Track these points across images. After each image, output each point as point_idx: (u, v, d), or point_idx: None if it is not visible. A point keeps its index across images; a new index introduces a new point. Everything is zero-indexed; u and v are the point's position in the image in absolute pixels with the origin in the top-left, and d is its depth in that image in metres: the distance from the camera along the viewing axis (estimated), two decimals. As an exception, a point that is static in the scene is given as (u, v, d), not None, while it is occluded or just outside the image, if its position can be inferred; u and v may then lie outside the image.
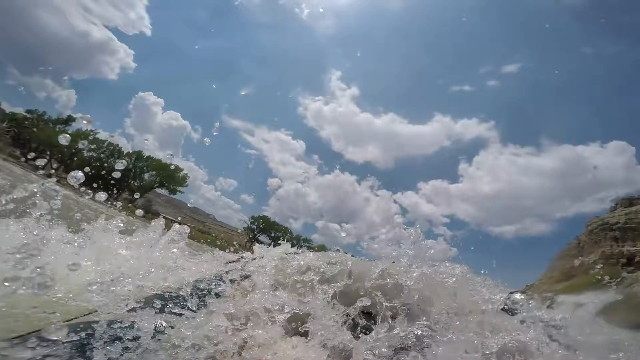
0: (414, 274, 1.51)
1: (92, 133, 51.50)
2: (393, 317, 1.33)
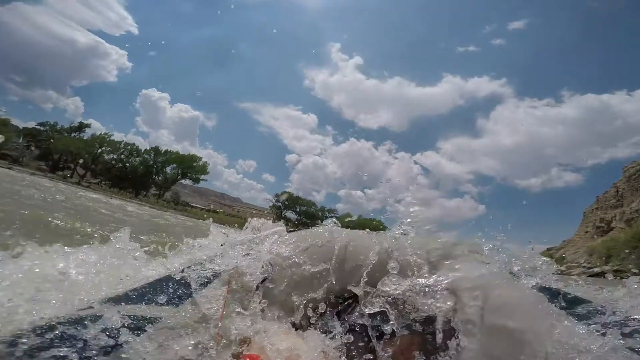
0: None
1: (107, 136, 52.07)
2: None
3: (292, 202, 64.77)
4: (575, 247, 48.09)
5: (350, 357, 0.99)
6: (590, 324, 1.07)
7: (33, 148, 48.07)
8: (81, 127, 52.66)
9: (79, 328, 0.81)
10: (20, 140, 47.02)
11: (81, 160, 49.33)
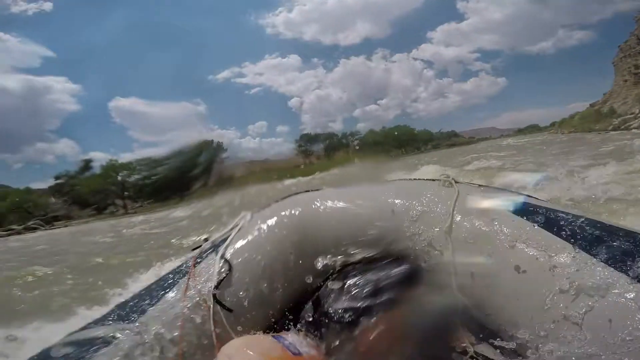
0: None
1: (115, 162, 53.15)
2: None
3: (313, 141, 64.45)
4: (620, 97, 46.95)
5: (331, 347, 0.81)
6: None
7: (67, 199, 49.68)
8: (88, 164, 53.46)
9: None
10: (54, 200, 48.55)
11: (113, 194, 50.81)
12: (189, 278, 0.95)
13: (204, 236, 1.16)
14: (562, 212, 0.84)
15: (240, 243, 1.03)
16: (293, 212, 1.10)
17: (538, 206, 0.89)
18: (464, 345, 0.84)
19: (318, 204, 1.11)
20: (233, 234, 1.05)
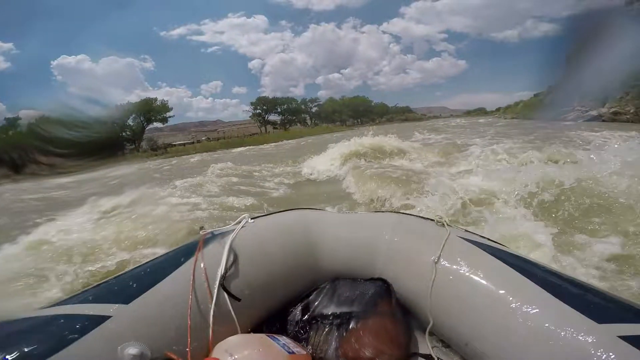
0: None
1: (45, 118, 45.60)
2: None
3: (271, 104, 61.55)
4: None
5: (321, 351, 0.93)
6: None
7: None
8: (15, 120, 45.30)
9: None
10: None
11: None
12: (195, 262, 0.97)
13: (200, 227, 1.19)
14: (534, 262, 0.97)
15: (244, 239, 1.09)
16: (296, 225, 1.22)
17: (515, 255, 1.00)
18: (428, 353, 0.97)
19: (321, 223, 1.23)
20: (237, 229, 1.12)
